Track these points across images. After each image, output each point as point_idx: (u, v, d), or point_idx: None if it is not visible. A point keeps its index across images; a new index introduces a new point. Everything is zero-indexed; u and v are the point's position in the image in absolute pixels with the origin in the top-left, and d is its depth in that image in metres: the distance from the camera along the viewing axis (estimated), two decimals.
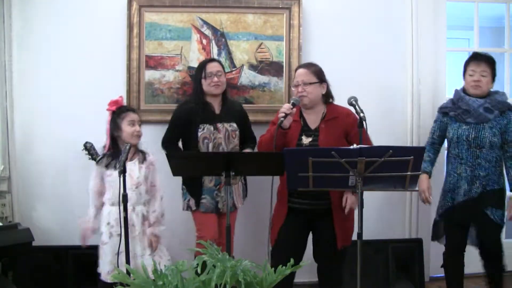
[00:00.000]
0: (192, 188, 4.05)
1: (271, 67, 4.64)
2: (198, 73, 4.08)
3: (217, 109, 4.08)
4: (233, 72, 4.62)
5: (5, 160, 4.52)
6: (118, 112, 3.72)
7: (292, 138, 3.62)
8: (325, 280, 3.84)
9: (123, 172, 3.21)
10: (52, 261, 4.34)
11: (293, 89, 3.76)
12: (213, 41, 4.60)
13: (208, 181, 4.01)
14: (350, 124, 3.69)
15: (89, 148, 4.23)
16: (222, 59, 4.55)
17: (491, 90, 4.00)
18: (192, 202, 4.03)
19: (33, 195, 4.58)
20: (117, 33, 4.52)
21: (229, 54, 4.61)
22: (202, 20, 4.57)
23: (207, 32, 4.59)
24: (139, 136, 3.72)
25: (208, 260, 1.87)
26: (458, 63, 7.26)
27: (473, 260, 4.12)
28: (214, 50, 4.60)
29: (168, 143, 4.09)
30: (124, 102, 3.96)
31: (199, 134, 3.95)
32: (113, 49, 4.53)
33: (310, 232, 3.81)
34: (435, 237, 4.26)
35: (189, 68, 4.55)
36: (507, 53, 4.93)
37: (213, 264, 1.84)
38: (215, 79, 4.00)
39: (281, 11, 4.63)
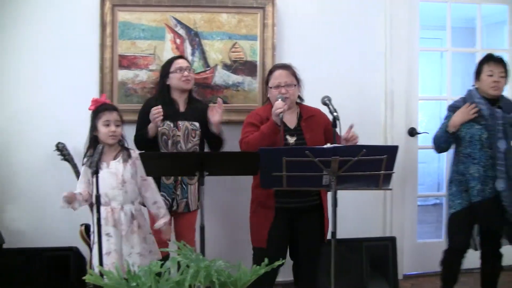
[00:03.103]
0: None
1: (245, 67, 4.64)
2: (166, 68, 4.05)
3: (181, 107, 4.06)
4: (207, 72, 4.60)
5: None
6: (95, 112, 3.68)
7: (278, 138, 3.60)
8: (302, 278, 3.86)
9: (96, 172, 3.18)
10: (25, 263, 4.24)
11: (273, 90, 3.73)
12: (187, 41, 4.58)
13: (166, 178, 3.98)
14: (327, 121, 3.76)
15: (61, 149, 4.20)
16: (196, 59, 4.54)
17: None
18: None
19: (3, 197, 4.51)
20: (90, 32, 4.46)
21: (203, 53, 4.60)
22: (176, 19, 4.55)
23: (181, 31, 4.57)
24: (114, 136, 3.64)
25: (181, 260, 1.86)
26: (430, 62, 7.38)
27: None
28: (188, 49, 4.58)
29: (137, 134, 4.05)
30: (109, 101, 3.87)
31: (159, 129, 3.92)
32: (86, 48, 4.48)
33: None
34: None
35: None
36: (478, 53, 4.98)
37: (186, 264, 1.84)
38: (185, 73, 3.99)
39: (255, 10, 4.63)
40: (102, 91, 4.43)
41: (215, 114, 3.99)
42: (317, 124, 3.76)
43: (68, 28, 4.47)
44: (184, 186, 3.99)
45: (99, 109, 3.67)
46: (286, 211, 3.68)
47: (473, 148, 3.93)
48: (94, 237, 3.61)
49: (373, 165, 3.04)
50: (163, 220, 3.71)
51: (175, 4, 4.54)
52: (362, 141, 3.37)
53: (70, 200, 3.47)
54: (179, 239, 3.92)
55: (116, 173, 3.60)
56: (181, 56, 4.20)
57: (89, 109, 3.70)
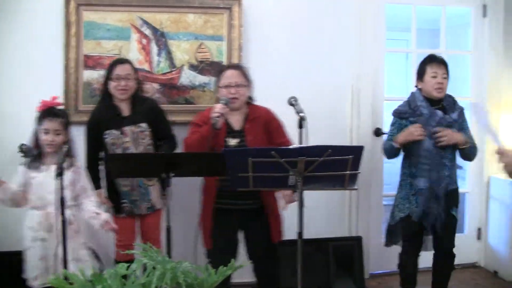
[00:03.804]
0: (110, 195, 4.02)
1: (211, 67, 4.62)
2: (107, 73, 3.96)
3: (125, 111, 3.99)
4: (173, 72, 4.59)
5: None
6: (39, 117, 3.61)
7: (218, 140, 3.63)
8: (264, 278, 3.88)
9: (60, 175, 3.15)
10: None
11: (223, 89, 3.72)
12: (153, 41, 4.56)
13: (122, 185, 3.96)
14: (269, 119, 3.81)
15: (24, 150, 4.13)
16: (162, 59, 4.52)
17: None
18: (110, 209, 3.99)
19: None
20: (55, 32, 4.41)
21: (169, 54, 4.58)
22: (142, 19, 4.53)
23: (147, 32, 4.54)
24: (51, 146, 3.57)
25: (147, 262, 1.85)
26: (396, 63, 7.46)
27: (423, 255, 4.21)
28: (154, 50, 4.56)
29: (88, 163, 4.00)
30: (59, 103, 3.76)
31: (107, 141, 3.88)
32: (51, 48, 4.43)
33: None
34: (390, 242, 4.24)
35: None
36: (442, 54, 5.04)
37: (153, 266, 1.83)
38: (123, 83, 3.89)
39: (222, 11, 4.62)
40: (67, 92, 4.39)
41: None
42: (259, 125, 3.76)
43: (32, 28, 4.41)
44: (141, 188, 3.97)
45: (42, 114, 3.60)
46: (230, 213, 3.71)
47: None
48: (26, 242, 3.58)
49: (339, 165, 3.05)
50: (98, 222, 3.64)
51: (141, 4, 4.51)
52: (328, 141, 3.38)
53: None
54: (145, 240, 3.92)
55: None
56: (123, 61, 4.04)
57: (37, 110, 3.64)
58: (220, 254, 3.54)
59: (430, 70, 3.96)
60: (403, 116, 4.06)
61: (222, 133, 3.65)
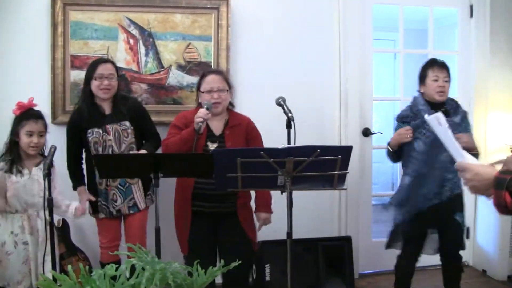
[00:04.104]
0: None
1: (199, 68, 4.60)
2: (88, 73, 3.92)
3: (107, 110, 3.96)
4: (161, 73, 4.57)
5: None
6: (19, 118, 3.58)
7: (199, 143, 3.63)
8: (232, 281, 3.83)
9: (48, 175, 3.13)
10: None
11: (205, 94, 3.71)
12: (141, 41, 4.54)
13: (99, 184, 3.92)
14: (250, 128, 3.83)
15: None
16: (150, 59, 4.50)
17: None
18: (89, 208, 3.95)
19: None
20: (41, 32, 4.38)
21: (157, 54, 4.56)
22: (129, 19, 4.51)
23: (134, 32, 4.52)
24: (36, 148, 3.55)
25: (136, 263, 1.84)
26: (384, 64, 7.49)
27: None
28: (142, 50, 4.54)
29: (71, 162, 3.96)
30: (35, 105, 3.72)
31: (89, 139, 3.85)
32: (37, 48, 4.39)
33: None
34: (392, 245, 4.19)
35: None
36: (430, 54, 5.07)
37: (142, 267, 1.81)
38: (106, 82, 3.86)
39: (210, 11, 4.61)
40: (54, 92, 4.36)
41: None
42: (239, 133, 3.78)
43: (18, 28, 4.37)
44: (121, 188, 3.94)
45: (23, 116, 3.57)
46: (205, 216, 3.71)
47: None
48: (7, 248, 3.53)
49: (327, 166, 3.05)
50: (70, 213, 3.65)
51: (128, 4, 4.49)
52: (316, 141, 3.38)
53: None
54: (130, 240, 3.89)
55: (39, 181, 3.52)
56: (105, 60, 4.02)
57: (14, 113, 3.61)
58: (200, 259, 3.50)
59: (431, 74, 3.96)
60: (405, 120, 4.05)
61: (203, 137, 3.67)
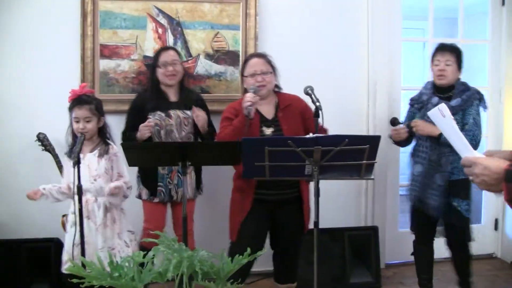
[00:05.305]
0: (146, 177, 4.03)
1: (227, 57, 4.62)
2: (153, 61, 4.08)
3: (172, 97, 4.06)
4: (189, 62, 4.58)
5: None
6: (70, 106, 3.62)
7: (253, 130, 3.59)
8: (283, 267, 3.88)
9: (77, 163, 3.16)
10: (5, 255, 4.20)
11: (249, 78, 3.71)
12: (169, 30, 4.55)
13: (161, 168, 3.99)
14: (303, 108, 3.77)
15: (42, 139, 4.17)
16: (178, 48, 4.51)
17: (460, 80, 4.01)
18: (144, 192, 4.02)
19: None
20: (71, 21, 4.41)
21: (185, 43, 4.58)
22: (158, 9, 4.52)
23: (163, 21, 4.54)
24: (83, 133, 3.55)
25: (164, 251, 1.85)
26: (413, 53, 7.41)
27: (440, 246, 4.17)
28: (170, 39, 4.56)
29: (126, 133, 4.03)
30: (87, 91, 3.72)
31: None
32: (67, 38, 4.43)
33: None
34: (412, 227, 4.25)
35: (145, 57, 4.49)
36: (460, 43, 5.00)
37: (169, 255, 1.83)
38: (170, 68, 3.98)
39: (238, 0, 4.61)
40: (83, 81, 4.39)
41: (198, 119, 4.02)
42: (293, 114, 3.73)
43: (48, 18, 4.42)
44: (179, 175, 3.98)
45: (72, 103, 3.61)
46: (265, 203, 3.67)
47: (426, 137, 3.95)
48: (67, 226, 3.63)
49: (355, 155, 3.04)
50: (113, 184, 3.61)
51: None
52: (344, 130, 3.36)
53: (32, 197, 3.49)
54: (177, 228, 3.97)
55: (90, 166, 3.56)
56: (168, 48, 4.18)
57: (68, 101, 3.66)
58: (246, 247, 3.51)
59: (434, 59, 4.02)
60: (412, 103, 4.17)
61: (256, 123, 3.62)
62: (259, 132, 3.63)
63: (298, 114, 3.74)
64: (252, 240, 3.53)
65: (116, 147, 3.70)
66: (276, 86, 3.84)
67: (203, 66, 4.61)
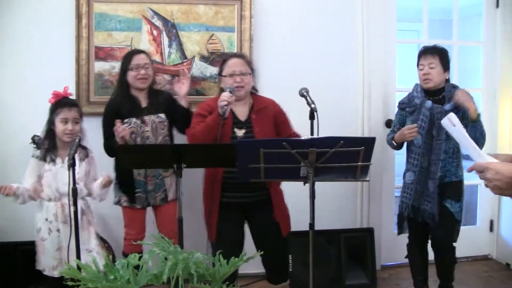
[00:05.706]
0: (123, 184, 4.01)
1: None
2: (124, 64, 4.00)
3: (143, 102, 4.02)
4: (184, 64, 4.58)
5: None
6: (55, 107, 3.63)
7: (225, 131, 3.60)
8: (273, 270, 3.89)
9: (72, 165, 3.16)
10: (0, 258, 4.19)
11: (228, 78, 3.70)
12: (164, 32, 4.55)
13: (137, 174, 3.96)
14: (277, 112, 3.79)
15: (37, 142, 4.15)
16: (173, 50, 4.52)
17: (448, 82, 4.01)
18: (123, 198, 4.01)
19: None
20: (66, 24, 4.42)
21: (180, 45, 4.58)
22: (153, 10, 4.52)
23: (158, 23, 4.54)
24: (71, 135, 3.58)
25: (159, 253, 1.85)
26: (408, 54, 7.41)
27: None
28: (165, 41, 4.56)
29: (106, 142, 3.98)
30: (70, 94, 3.78)
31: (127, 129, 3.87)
32: (62, 40, 4.44)
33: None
34: (400, 230, 4.23)
35: None
36: (455, 45, 5.02)
37: (164, 257, 1.83)
38: (142, 71, 3.95)
39: (233, 2, 4.61)
40: (78, 83, 4.40)
41: (181, 86, 4.04)
42: (266, 117, 3.74)
43: (43, 20, 4.42)
44: (157, 180, 3.98)
45: (58, 104, 3.62)
46: (234, 206, 3.69)
47: (418, 141, 3.94)
48: (42, 234, 3.61)
49: (350, 157, 3.05)
50: (98, 184, 3.66)
51: None
52: (339, 132, 3.37)
53: (5, 192, 3.44)
54: (163, 229, 3.97)
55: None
56: (140, 51, 4.10)
57: (49, 102, 3.65)
58: (225, 247, 3.52)
59: (419, 63, 4.03)
60: (402, 106, 4.14)
61: (229, 124, 3.64)
62: (231, 133, 3.65)
63: (271, 117, 3.76)
64: (230, 243, 3.62)
65: (93, 152, 3.74)
66: (253, 88, 3.85)
67: (198, 68, 4.61)
